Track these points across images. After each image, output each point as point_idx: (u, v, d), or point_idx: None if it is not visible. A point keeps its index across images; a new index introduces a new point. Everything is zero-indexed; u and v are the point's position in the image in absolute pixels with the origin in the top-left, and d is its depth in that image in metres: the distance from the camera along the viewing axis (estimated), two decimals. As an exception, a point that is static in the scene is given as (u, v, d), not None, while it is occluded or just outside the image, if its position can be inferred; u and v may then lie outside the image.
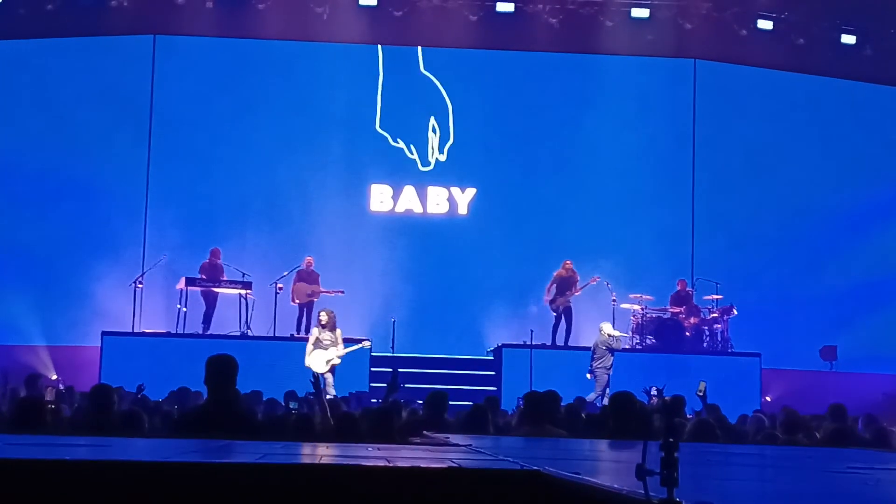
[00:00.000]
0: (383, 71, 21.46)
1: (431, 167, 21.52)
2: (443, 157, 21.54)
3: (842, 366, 19.90)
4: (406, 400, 12.96)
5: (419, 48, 21.54)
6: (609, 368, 16.73)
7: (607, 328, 17.17)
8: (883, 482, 3.67)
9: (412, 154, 21.45)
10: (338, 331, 15.91)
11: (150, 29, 20.86)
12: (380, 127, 21.35)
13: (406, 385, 17.07)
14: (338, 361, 15.80)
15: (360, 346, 16.21)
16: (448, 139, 21.55)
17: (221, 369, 6.60)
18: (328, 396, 14.42)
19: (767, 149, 21.58)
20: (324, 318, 15.94)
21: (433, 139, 21.52)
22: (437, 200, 21.51)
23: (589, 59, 21.73)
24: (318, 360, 15.59)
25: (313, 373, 7.92)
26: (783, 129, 21.69)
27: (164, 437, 6.79)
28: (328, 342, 15.75)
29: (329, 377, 15.52)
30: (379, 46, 21.45)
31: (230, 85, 21.04)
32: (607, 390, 16.00)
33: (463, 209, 21.57)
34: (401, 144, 21.35)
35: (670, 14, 21.21)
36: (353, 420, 7.71)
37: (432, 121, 21.51)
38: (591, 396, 15.72)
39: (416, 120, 21.50)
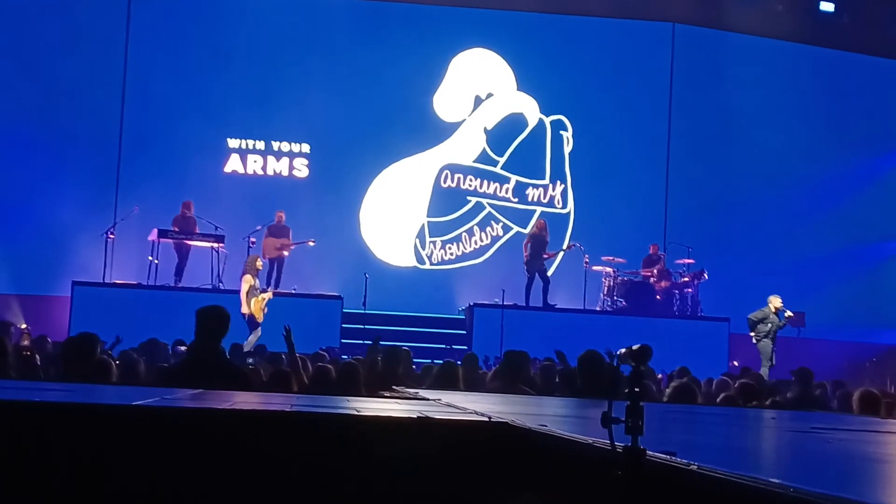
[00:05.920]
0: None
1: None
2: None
3: (809, 332, 20.08)
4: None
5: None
6: (766, 337, 17.00)
7: (775, 301, 17.15)
8: (844, 441, 3.73)
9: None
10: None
11: (127, -24, 20.62)
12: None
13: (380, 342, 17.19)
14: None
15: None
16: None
17: (211, 319, 6.55)
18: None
19: (743, 115, 21.61)
20: (260, 264, 16.61)
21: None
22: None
23: (567, 20, 21.63)
24: (257, 307, 16.05)
25: (286, 326, 7.85)
26: (760, 95, 21.72)
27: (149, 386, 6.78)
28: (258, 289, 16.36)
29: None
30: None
31: (207, 35, 20.79)
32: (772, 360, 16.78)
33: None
34: None
35: (650, -23, 21.16)
36: (327, 374, 7.76)
37: None
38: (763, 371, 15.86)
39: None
